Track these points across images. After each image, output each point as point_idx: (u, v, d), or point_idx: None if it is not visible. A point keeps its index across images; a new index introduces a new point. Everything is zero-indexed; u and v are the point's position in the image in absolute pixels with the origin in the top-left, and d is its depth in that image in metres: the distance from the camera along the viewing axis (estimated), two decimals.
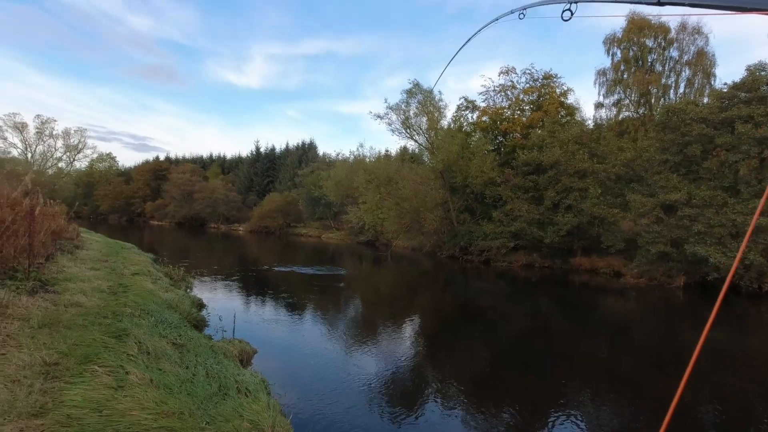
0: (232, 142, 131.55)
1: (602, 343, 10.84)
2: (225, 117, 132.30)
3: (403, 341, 9.86)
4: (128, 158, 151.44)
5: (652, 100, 29.59)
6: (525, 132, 29.34)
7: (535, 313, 14.51)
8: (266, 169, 65.99)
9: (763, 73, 20.06)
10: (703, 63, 28.90)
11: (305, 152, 62.86)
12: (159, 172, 70.06)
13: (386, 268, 26.30)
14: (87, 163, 72.26)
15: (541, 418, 6.11)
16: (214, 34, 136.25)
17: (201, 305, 11.00)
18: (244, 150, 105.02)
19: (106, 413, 3.65)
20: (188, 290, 12.38)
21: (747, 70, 20.47)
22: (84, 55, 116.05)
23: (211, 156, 78.69)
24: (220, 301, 12.31)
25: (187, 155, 79.16)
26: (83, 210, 65.57)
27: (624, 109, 30.89)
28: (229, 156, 76.77)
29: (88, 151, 68.88)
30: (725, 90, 21.10)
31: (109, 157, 75.60)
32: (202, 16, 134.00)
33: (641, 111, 29.92)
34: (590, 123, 30.51)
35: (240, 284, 15.91)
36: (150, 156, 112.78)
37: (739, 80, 20.50)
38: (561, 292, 18.76)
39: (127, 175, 74.24)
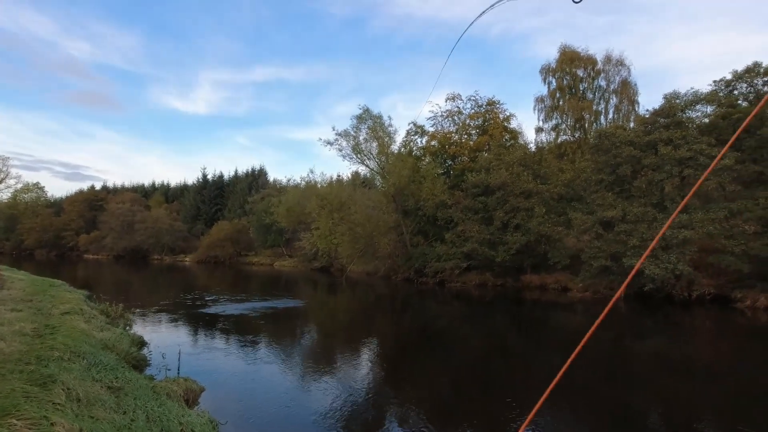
0: (178, 169, 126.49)
1: (555, 357, 11.11)
2: (169, 144, 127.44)
3: (362, 368, 9.60)
4: (59, 188, 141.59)
5: (586, 125, 31.90)
6: (472, 155, 30.47)
7: (490, 331, 14.71)
8: (214, 197, 63.77)
9: (677, 101, 22.25)
10: (627, 92, 31.68)
11: (255, 179, 61.53)
12: (95, 202, 65.66)
13: (342, 293, 25.86)
14: (10, 194, 66.57)
15: None
16: (157, 60, 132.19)
17: (142, 343, 10.21)
18: (191, 177, 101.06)
19: None
20: (127, 328, 11.47)
21: (664, 98, 22.65)
22: (10, 80, 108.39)
23: (153, 184, 75.08)
24: (164, 338, 11.48)
25: (127, 184, 75.09)
26: (4, 245, 59.93)
27: (562, 133, 33.06)
28: (173, 184, 73.58)
29: (11, 181, 63.62)
30: (647, 116, 23.14)
31: (37, 186, 70.16)
32: (146, 42, 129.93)
33: (577, 135, 32.13)
34: (532, 146, 32.31)
35: (186, 319, 14.97)
36: (84, 185, 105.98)
37: (658, 107, 22.59)
38: (514, 310, 19.22)
39: (57, 206, 68.98)
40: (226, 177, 65.86)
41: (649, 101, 64.33)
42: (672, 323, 15.72)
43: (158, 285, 29.70)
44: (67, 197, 70.57)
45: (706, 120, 22.43)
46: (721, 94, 22.30)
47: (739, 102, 21.89)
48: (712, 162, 19.25)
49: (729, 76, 22.10)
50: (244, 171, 64.52)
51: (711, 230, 18.63)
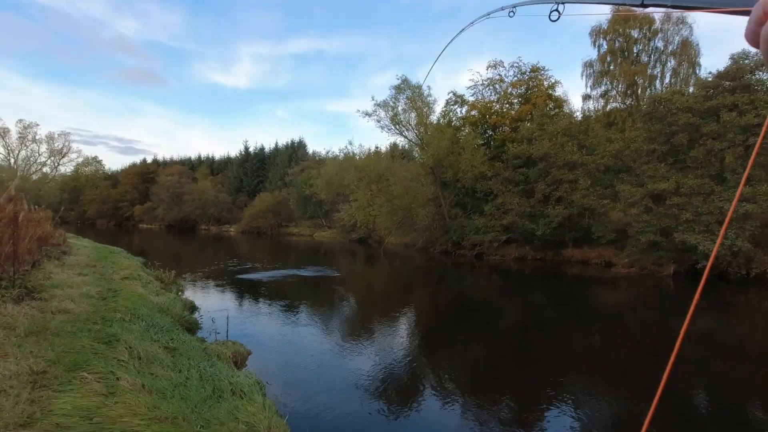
0: (221, 143, 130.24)
1: (596, 335, 10.91)
2: (213, 118, 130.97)
3: (399, 338, 9.83)
4: (114, 162, 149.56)
5: (639, 91, 29.85)
6: (514, 125, 29.43)
7: (529, 306, 14.57)
8: (256, 169, 65.52)
9: (746, 61, 20.29)
10: (688, 53, 29.20)
11: (295, 151, 62.50)
12: (147, 174, 69.19)
13: (379, 265, 26.26)
14: (72, 168, 71.23)
15: (537, 410, 6.12)
16: (200, 36, 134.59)
17: (193, 308, 10.87)
18: (233, 150, 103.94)
19: (97, 421, 3.57)
20: (179, 293, 12.23)
21: (731, 58, 20.70)
22: (67, 59, 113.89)
23: (199, 157, 77.90)
24: (213, 304, 12.18)
25: (175, 157, 78.28)
26: (70, 215, 64.59)
27: (611, 101, 31.14)
28: (217, 157, 76.04)
29: (73, 155, 68.04)
30: (710, 79, 21.32)
31: (95, 160, 74.55)
32: (188, 19, 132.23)
33: (628, 102, 30.17)
34: (578, 115, 30.74)
35: (232, 286, 15.77)
36: (137, 159, 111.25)
37: (723, 69, 20.73)
38: (554, 284, 18.87)
39: (113, 178, 73.21)
40: (266, 150, 67.32)
41: (712, 63, 58.88)
42: (725, 303, 14.94)
43: (206, 253, 31.29)
44: (122, 170, 74.72)
45: None
46: None
47: None
48: None
49: None
50: (284, 144, 65.65)
51: None
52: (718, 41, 62.54)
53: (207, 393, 4.75)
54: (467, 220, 28.61)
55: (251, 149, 68.27)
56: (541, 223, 24.65)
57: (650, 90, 29.51)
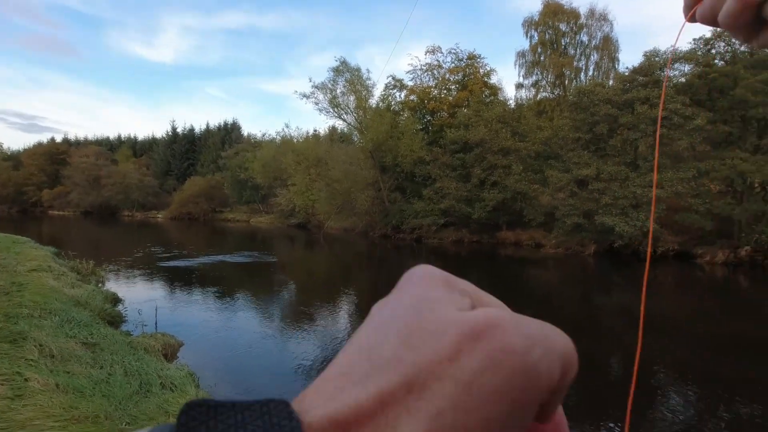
0: (145, 122, 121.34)
1: (527, 311, 11.54)
2: (135, 94, 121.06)
3: (340, 322, 9.76)
4: (15, 140, 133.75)
5: (566, 82, 31.67)
6: (452, 111, 30.08)
7: None
8: (185, 152, 61.65)
9: (656, 59, 22.21)
10: (608, 48, 31.37)
11: (228, 133, 59.55)
12: (56, 155, 62.42)
13: (319, 250, 25.94)
14: None
15: None
16: (117, 1, 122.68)
17: (116, 300, 10.04)
18: (159, 131, 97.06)
19: (2, 426, 3.15)
20: (100, 285, 11.23)
21: (644, 55, 22.58)
22: None
23: (119, 137, 71.83)
24: (139, 294, 11.31)
25: (90, 137, 71.61)
26: None
27: (542, 90, 32.78)
28: (141, 137, 70.63)
29: None
30: (626, 74, 23.11)
31: None
32: None
33: (557, 92, 31.93)
34: (512, 103, 32.05)
35: (161, 275, 14.76)
36: (43, 137, 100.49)
37: (637, 65, 22.54)
38: (489, 265, 19.74)
39: (15, 159, 65.35)
40: (197, 130, 63.53)
41: (629, 59, 64.08)
42: (637, 278, 16.49)
43: (130, 241, 29.04)
44: (25, 150, 66.87)
45: (683, 79, 22.56)
46: (699, 53, 22.33)
47: (716, 61, 21.98)
48: (685, 122, 19.50)
49: (708, 35, 22.07)
50: (217, 125, 62.31)
51: (679, 189, 19.23)
52: (635, 38, 68.10)
53: (133, 388, 4.41)
54: (406, 204, 29.01)
55: (179, 130, 64.07)
56: (477, 206, 25.58)
57: (576, 81, 31.43)
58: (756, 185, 19.49)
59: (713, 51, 22.36)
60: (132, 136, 71.68)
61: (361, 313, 10.82)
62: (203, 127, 63.45)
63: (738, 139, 20.34)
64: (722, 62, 21.89)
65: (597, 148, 22.58)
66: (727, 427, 5.11)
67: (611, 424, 4.95)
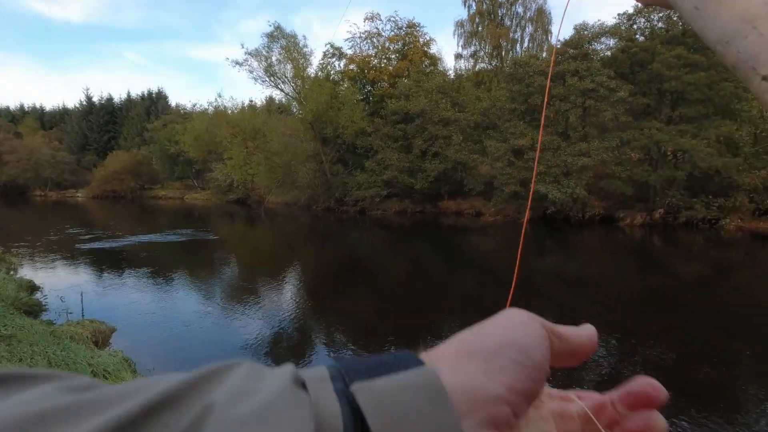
0: (52, 90, 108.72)
1: (469, 278, 12.01)
2: (36, 58, 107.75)
3: (285, 297, 9.57)
4: None
5: (503, 53, 32.38)
6: (392, 81, 29.79)
7: (410, 256, 15.39)
8: (104, 123, 56.38)
9: (585, 32, 23.24)
10: (542, 20, 32.32)
11: (153, 103, 55.06)
12: None
13: (261, 225, 25.16)
14: None
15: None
16: None
17: (33, 288, 9.12)
18: (70, 100, 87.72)
19: None
20: (11, 272, 10.12)
21: (574, 29, 23.50)
22: None
23: (22, 107, 64.08)
24: (61, 281, 10.35)
25: None
26: None
27: (480, 61, 33.30)
28: (49, 107, 63.44)
29: None
30: (558, 46, 23.98)
31: None
32: None
33: (494, 63, 32.59)
34: (451, 73, 32.30)
35: (85, 258, 13.59)
36: None
37: (568, 38, 23.46)
38: (432, 235, 20.21)
39: None
40: (116, 100, 58.14)
41: (562, 31, 66.65)
42: (567, 242, 17.69)
43: (45, 224, 26.39)
44: None
45: (609, 53, 23.83)
46: (623, 27, 23.60)
47: (637, 36, 23.37)
48: (609, 94, 20.72)
49: (631, 10, 23.34)
50: (139, 94, 57.34)
51: (605, 158, 20.63)
52: (568, 11, 70.55)
53: None
54: (349, 177, 28.74)
55: (96, 99, 58.27)
56: (419, 177, 25.90)
57: (512, 53, 32.23)
58: (669, 153, 21.35)
59: (635, 26, 23.74)
60: (38, 106, 64.24)
61: (305, 290, 10.68)
62: (123, 96, 58.22)
63: (655, 111, 22.02)
64: (642, 37, 23.34)
65: (532, 118, 23.49)
66: (642, 369, 5.66)
67: None
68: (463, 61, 33.92)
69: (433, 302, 9.31)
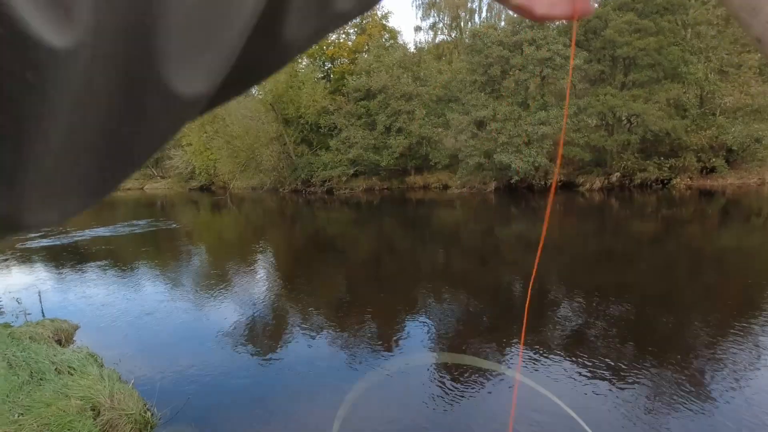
0: None
1: (439, 250, 12.25)
2: None
3: (258, 282, 9.50)
4: None
5: (462, 24, 32.27)
6: (352, 57, 29.26)
7: (380, 233, 15.50)
8: None
9: None
10: None
11: None
12: None
13: (227, 211, 24.62)
14: None
15: (396, 324, 6.67)
16: None
17: None
18: None
19: None
20: None
21: None
22: None
23: None
24: (13, 282, 9.89)
25: None
26: None
27: (439, 32, 33.15)
28: None
29: None
30: (515, 15, 24.04)
31: None
32: None
33: (453, 34, 32.51)
34: (411, 47, 32.03)
35: (39, 257, 12.97)
36: None
37: None
38: (400, 210, 20.37)
39: None
40: None
41: None
42: (531, 209, 18.22)
43: None
44: None
45: (564, 21, 24.09)
46: None
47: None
48: (566, 62, 21.12)
49: None
50: None
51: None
52: None
53: (22, 379, 3.97)
54: (314, 157, 28.36)
55: None
56: (384, 154, 25.85)
57: (471, 24, 32.19)
58: (623, 118, 22.13)
59: None
60: None
61: (277, 273, 10.63)
62: None
63: (609, 77, 22.65)
64: (596, 4, 23.72)
65: (492, 89, 23.70)
66: (605, 324, 6.01)
67: (514, 339, 5.55)
68: (422, 33, 34.01)
69: (404, 275, 9.48)
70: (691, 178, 20.27)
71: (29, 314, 7.17)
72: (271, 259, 12.13)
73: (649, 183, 20.58)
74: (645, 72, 20.68)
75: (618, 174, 21.25)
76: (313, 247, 13.48)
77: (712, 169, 20.27)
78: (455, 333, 6.14)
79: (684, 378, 4.36)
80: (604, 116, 21.95)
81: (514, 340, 5.44)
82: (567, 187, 22.01)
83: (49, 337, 5.93)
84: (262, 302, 7.96)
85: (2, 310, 7.79)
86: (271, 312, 7.48)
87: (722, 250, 10.08)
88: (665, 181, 20.30)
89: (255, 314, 7.24)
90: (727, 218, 14.34)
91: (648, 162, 20.64)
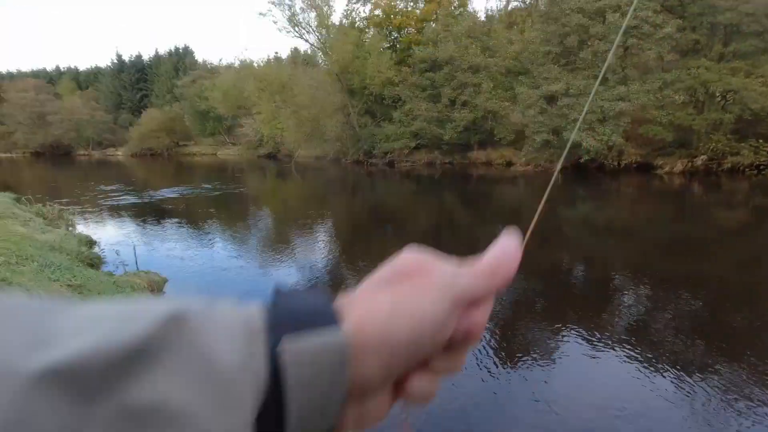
0: (81, 49, 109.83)
1: (498, 229, 12.08)
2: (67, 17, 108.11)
3: (318, 249, 10.01)
4: None
5: None
6: (419, 26, 28.62)
7: (439, 207, 15.53)
8: (136, 81, 57.34)
9: None
10: None
11: (181, 59, 55.25)
12: None
13: (291, 179, 25.69)
14: None
15: None
16: None
17: (91, 243, 9.87)
18: (102, 60, 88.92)
19: None
20: (70, 229, 10.95)
21: None
22: None
23: (58, 68, 65.63)
24: (114, 235, 11.15)
25: (24, 69, 65.11)
26: None
27: None
28: (82, 68, 64.73)
29: None
30: None
31: None
32: None
33: (528, 1, 30.56)
34: (481, 15, 30.64)
35: (132, 214, 14.45)
36: None
37: None
38: (461, 186, 20.15)
39: None
40: (145, 58, 58.56)
41: None
42: (601, 191, 17.29)
43: (91, 182, 27.82)
44: None
45: None
46: None
47: None
48: (654, 31, 19.21)
49: None
50: (167, 51, 57.46)
51: (645, 101, 19.50)
52: None
53: None
54: (377, 129, 28.52)
55: (126, 58, 58.88)
56: (448, 127, 25.42)
57: None
58: (717, 94, 19.97)
59: None
60: (72, 66, 65.65)
61: (336, 240, 11.11)
62: (152, 54, 58.55)
63: (704, 47, 20.40)
64: None
65: (567, 61, 22.27)
66: (674, 316, 5.77)
67: (567, 326, 5.51)
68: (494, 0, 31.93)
69: (462, 252, 9.51)
70: None
71: (126, 265, 8.13)
72: (331, 228, 12.65)
73: (741, 168, 18.61)
74: (750, 41, 18.38)
75: (704, 157, 19.40)
76: (372, 218, 13.84)
77: None
78: (504, 315, 6.19)
79: (760, 382, 4.16)
80: (695, 92, 19.94)
81: (567, 326, 5.40)
82: (643, 168, 20.51)
83: (144, 287, 6.75)
84: (322, 267, 8.43)
85: (105, 260, 8.87)
86: (328, 277, 7.93)
87: None
88: (762, 167, 18.24)
89: (314, 277, 7.73)
90: None
91: (742, 144, 18.61)
